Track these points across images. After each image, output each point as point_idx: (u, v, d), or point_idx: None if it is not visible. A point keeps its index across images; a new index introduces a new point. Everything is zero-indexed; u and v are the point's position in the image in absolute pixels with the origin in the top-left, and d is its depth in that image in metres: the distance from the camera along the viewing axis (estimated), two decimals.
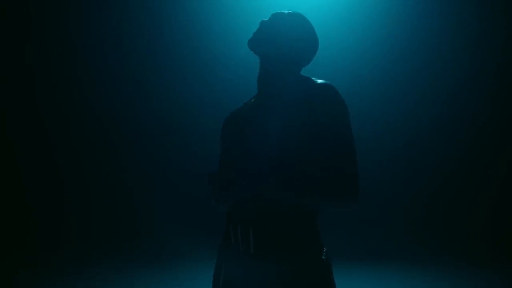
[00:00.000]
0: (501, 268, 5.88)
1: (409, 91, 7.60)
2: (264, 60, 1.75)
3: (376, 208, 7.53)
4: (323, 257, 1.56)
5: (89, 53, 7.55)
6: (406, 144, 7.79)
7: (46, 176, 7.64)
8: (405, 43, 7.34)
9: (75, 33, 7.40)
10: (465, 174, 7.67)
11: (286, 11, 1.78)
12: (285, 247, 1.52)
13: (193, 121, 7.59)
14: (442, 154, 7.72)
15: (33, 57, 7.44)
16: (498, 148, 7.62)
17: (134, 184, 7.61)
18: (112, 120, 7.77)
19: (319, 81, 1.60)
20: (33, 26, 7.28)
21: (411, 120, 7.66)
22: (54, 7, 7.16)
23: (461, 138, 7.60)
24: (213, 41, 6.94)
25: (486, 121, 7.61)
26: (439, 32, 7.21)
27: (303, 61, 1.75)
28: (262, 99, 1.71)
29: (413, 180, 7.75)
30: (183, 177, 7.07)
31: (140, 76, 7.68)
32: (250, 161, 1.58)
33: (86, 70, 7.61)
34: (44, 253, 6.46)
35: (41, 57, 7.50)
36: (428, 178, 7.71)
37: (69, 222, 7.40)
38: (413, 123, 7.67)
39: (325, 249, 1.59)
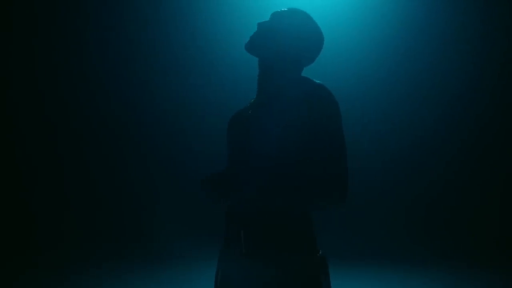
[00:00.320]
0: (502, 269, 5.87)
1: (413, 92, 7.58)
2: (262, 61, 1.74)
3: (378, 208, 7.53)
4: (316, 257, 1.57)
5: (92, 52, 7.55)
6: (410, 145, 7.76)
7: (49, 176, 7.64)
8: (409, 44, 7.31)
9: (79, 32, 7.40)
10: (469, 176, 7.64)
11: (286, 9, 1.74)
12: (278, 248, 1.53)
13: (196, 122, 7.58)
14: (445, 156, 7.69)
15: (37, 56, 7.45)
16: (502, 149, 7.58)
17: (136, 184, 7.61)
18: (115, 120, 7.77)
19: (314, 82, 1.59)
20: (38, 25, 7.28)
21: (414, 121, 7.63)
22: (59, 6, 7.16)
23: (465, 139, 7.57)
24: (217, 41, 6.94)
25: (489, 123, 7.57)
26: (443, 33, 7.19)
27: (305, 60, 1.73)
28: (261, 99, 1.71)
29: (416, 181, 7.72)
30: (186, 178, 7.06)
31: (145, 76, 7.67)
32: (249, 161, 1.60)
33: (89, 69, 7.61)
34: (46, 254, 6.46)
35: (45, 56, 7.50)
36: (431, 180, 7.69)
37: (71, 222, 7.40)
38: (417, 124, 7.65)
39: (320, 251, 1.60)
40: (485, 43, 7.25)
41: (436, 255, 6.58)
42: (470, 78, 7.48)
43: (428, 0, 7.05)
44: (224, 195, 1.55)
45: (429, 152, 7.81)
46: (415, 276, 5.61)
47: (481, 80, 7.49)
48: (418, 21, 7.17)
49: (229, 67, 6.86)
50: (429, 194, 7.69)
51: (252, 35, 1.72)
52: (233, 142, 1.72)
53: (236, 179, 1.56)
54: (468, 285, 5.25)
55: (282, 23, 1.71)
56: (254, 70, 1.75)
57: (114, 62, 7.55)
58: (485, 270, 5.84)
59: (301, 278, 1.52)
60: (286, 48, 1.69)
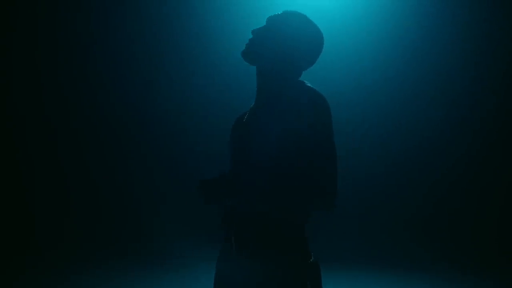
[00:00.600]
0: (506, 274, 5.86)
1: (415, 94, 7.54)
2: (259, 68, 1.72)
3: (381, 212, 7.49)
4: (303, 259, 1.57)
5: (94, 52, 7.55)
6: (413, 147, 7.71)
7: (49, 176, 7.64)
8: (414, 45, 7.28)
9: (82, 32, 7.41)
10: (473, 178, 7.58)
11: (281, 12, 1.71)
12: (266, 249, 1.54)
13: (198, 122, 7.58)
14: (449, 158, 7.63)
15: (40, 55, 7.46)
16: (507, 152, 7.52)
17: (136, 184, 7.61)
18: (115, 120, 7.77)
19: (306, 87, 1.59)
20: (40, 25, 7.29)
21: (418, 123, 7.58)
22: (63, 5, 7.18)
23: (469, 141, 7.51)
24: (221, 41, 6.93)
25: (493, 125, 7.51)
26: (449, 33, 7.16)
27: (304, 63, 1.71)
28: (258, 103, 1.71)
29: (418, 184, 7.67)
30: (186, 178, 7.05)
31: (149, 76, 7.67)
32: (244, 165, 1.63)
33: (91, 69, 7.62)
34: (46, 254, 6.46)
35: (48, 55, 7.51)
36: (434, 183, 7.63)
37: (71, 222, 7.39)
38: (420, 127, 7.60)
39: (312, 256, 1.60)
40: (490, 44, 7.20)
41: (439, 260, 6.55)
42: (474, 80, 7.42)
43: (434, 0, 7.03)
44: (219, 198, 1.56)
45: (433, 154, 7.75)
46: (415, 282, 5.59)
47: (486, 81, 7.44)
48: (423, 21, 7.14)
49: (232, 67, 6.86)
50: (431, 197, 7.65)
51: (247, 43, 1.69)
52: (233, 144, 1.73)
53: (231, 182, 1.57)
54: None
55: (278, 28, 1.67)
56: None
57: (116, 62, 7.56)
58: (488, 275, 5.81)
59: (285, 280, 1.52)
60: (283, 55, 1.66)
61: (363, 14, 7.05)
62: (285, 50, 1.66)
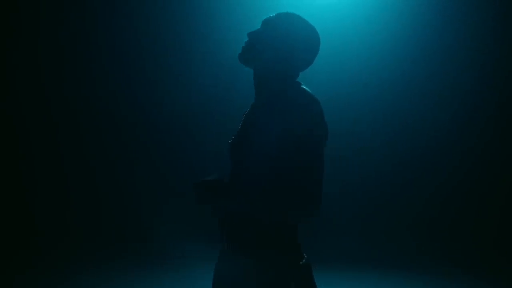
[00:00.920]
0: (505, 275, 5.85)
1: (424, 93, 7.49)
2: (256, 71, 1.73)
3: (385, 211, 7.45)
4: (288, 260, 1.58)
5: (99, 51, 7.55)
6: (420, 147, 7.66)
7: (50, 176, 7.62)
8: (420, 45, 7.26)
9: (89, 31, 7.41)
10: (478, 180, 7.53)
11: (276, 14, 1.71)
12: (253, 249, 1.56)
13: (200, 122, 7.55)
14: (453, 160, 7.59)
15: (43, 55, 7.45)
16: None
17: (137, 184, 7.60)
18: (116, 120, 7.76)
19: (302, 90, 1.59)
20: (45, 23, 7.29)
21: (425, 123, 7.53)
22: (68, 5, 7.18)
23: (476, 141, 7.46)
24: (227, 41, 6.91)
25: (499, 125, 7.46)
26: (457, 33, 7.13)
27: (301, 63, 1.71)
28: (256, 103, 1.72)
29: (425, 183, 7.61)
30: (187, 178, 7.04)
31: (154, 76, 7.65)
32: (240, 166, 1.65)
33: (95, 68, 7.61)
34: (46, 254, 6.45)
35: (52, 54, 7.50)
36: (441, 182, 7.57)
37: (72, 222, 7.38)
38: (425, 127, 7.55)
39: (305, 255, 1.62)
40: (500, 43, 7.15)
41: (442, 261, 6.51)
42: (481, 80, 7.38)
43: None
44: (211, 199, 1.59)
45: (440, 154, 7.68)
46: (417, 284, 5.57)
47: (493, 81, 7.39)
48: (432, 21, 7.12)
49: (239, 67, 6.83)
50: (437, 198, 7.58)
51: (244, 46, 1.70)
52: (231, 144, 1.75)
53: (224, 184, 1.59)
54: None
55: (274, 30, 1.68)
56: None
57: (120, 61, 7.55)
58: (491, 277, 5.80)
59: (266, 280, 1.53)
60: (280, 56, 1.67)
61: (372, 13, 7.05)
62: (281, 51, 1.66)
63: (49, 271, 5.67)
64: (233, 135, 1.74)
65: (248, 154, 1.59)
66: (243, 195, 1.57)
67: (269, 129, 1.54)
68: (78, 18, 7.35)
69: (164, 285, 5.30)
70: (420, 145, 7.62)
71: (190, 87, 7.50)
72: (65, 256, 6.34)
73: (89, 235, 7.14)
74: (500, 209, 7.37)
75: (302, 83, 1.67)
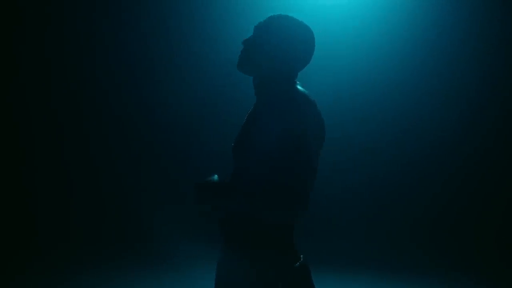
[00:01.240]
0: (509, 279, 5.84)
1: (430, 95, 7.44)
2: (255, 77, 1.75)
3: (390, 214, 7.40)
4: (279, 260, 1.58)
5: (105, 50, 7.54)
6: (426, 147, 7.59)
7: (50, 177, 7.60)
8: (430, 44, 7.22)
9: (94, 32, 7.41)
10: (484, 182, 7.46)
11: (266, 19, 1.73)
12: (242, 249, 1.58)
13: (202, 122, 7.53)
14: (457, 161, 7.52)
15: (49, 54, 7.45)
16: None
17: (138, 184, 7.59)
18: (118, 120, 7.74)
19: (296, 92, 1.60)
20: (51, 22, 7.29)
21: (432, 123, 7.46)
22: (76, 5, 7.19)
23: (481, 141, 7.39)
24: (235, 41, 6.88)
25: (507, 127, 7.40)
26: (465, 32, 7.09)
27: (298, 64, 1.72)
28: (256, 104, 1.74)
29: (431, 183, 7.54)
30: (188, 178, 7.03)
31: (159, 75, 7.63)
32: (238, 168, 1.69)
33: (100, 67, 7.59)
34: (46, 254, 6.44)
35: (57, 54, 7.50)
36: (446, 182, 7.48)
37: (72, 223, 7.37)
38: (433, 127, 7.47)
39: (301, 256, 1.63)
40: (508, 43, 7.11)
41: (441, 265, 6.48)
42: (488, 79, 7.32)
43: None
44: (210, 200, 1.61)
45: (446, 153, 7.61)
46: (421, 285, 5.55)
47: (499, 81, 7.33)
48: (440, 21, 7.09)
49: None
50: (442, 198, 7.50)
51: (240, 55, 1.72)
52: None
53: (221, 185, 1.62)
54: None
55: (267, 34, 1.68)
56: None
57: (125, 60, 7.54)
58: (495, 281, 5.76)
59: (251, 280, 1.55)
60: (277, 59, 1.68)
61: (380, 14, 7.04)
62: (276, 54, 1.67)
63: (49, 271, 5.67)
64: (236, 135, 1.77)
65: (248, 154, 1.61)
66: (238, 195, 1.58)
67: (263, 130, 1.56)
68: (84, 16, 7.35)
69: (164, 285, 5.30)
70: (427, 145, 7.55)
71: (196, 87, 7.49)
72: (65, 256, 6.33)
73: (90, 235, 7.14)
74: (507, 210, 7.27)
75: (299, 83, 1.69)
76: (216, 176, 1.66)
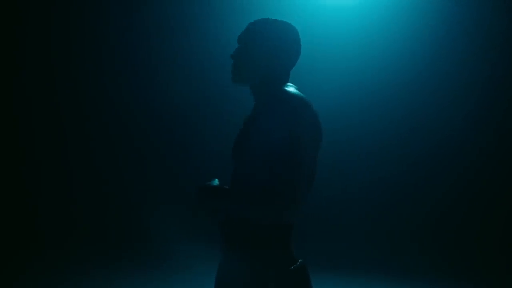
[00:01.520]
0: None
1: (436, 94, 7.39)
2: (251, 84, 1.79)
3: (395, 215, 7.36)
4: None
5: (111, 50, 7.55)
6: (433, 147, 7.55)
7: (51, 176, 7.59)
8: (438, 43, 7.18)
9: (100, 33, 7.42)
10: (484, 185, 7.40)
11: (246, 27, 1.76)
12: (249, 248, 1.58)
13: (209, 123, 7.52)
14: (462, 163, 7.46)
15: (53, 53, 7.45)
16: None
17: (138, 185, 7.58)
18: (119, 121, 7.73)
19: (284, 93, 1.61)
20: (55, 21, 7.30)
21: (439, 124, 7.41)
22: (81, 6, 7.20)
23: (489, 141, 7.33)
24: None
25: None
26: (472, 32, 7.06)
27: (289, 62, 1.74)
28: (254, 106, 1.77)
29: (438, 183, 7.50)
30: (189, 179, 7.03)
31: (163, 75, 7.63)
32: (236, 169, 1.71)
33: (104, 67, 7.60)
34: (46, 255, 6.43)
35: (61, 52, 7.50)
36: (453, 182, 7.43)
37: (72, 224, 7.36)
38: (440, 127, 7.42)
39: (301, 261, 1.63)
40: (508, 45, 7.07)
41: (445, 269, 6.43)
42: (494, 79, 7.27)
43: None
44: (211, 202, 1.63)
45: (453, 153, 7.55)
46: None
47: (505, 82, 7.28)
48: (447, 20, 7.07)
49: None
50: (441, 206, 7.46)
51: (231, 69, 1.76)
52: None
53: (220, 189, 1.65)
54: None
55: (251, 42, 1.72)
56: None
57: (130, 61, 7.55)
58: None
59: (243, 279, 1.58)
60: (267, 65, 1.70)
61: (388, 13, 7.03)
62: (265, 58, 1.70)
63: (49, 271, 5.67)
64: (235, 138, 1.79)
65: (244, 156, 1.64)
66: (234, 197, 1.61)
67: (257, 132, 1.58)
68: (89, 17, 7.36)
69: (165, 285, 5.29)
70: (433, 145, 7.48)
71: (197, 87, 7.49)
72: (66, 256, 6.33)
73: (90, 235, 7.12)
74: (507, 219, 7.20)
75: (292, 85, 1.71)
76: (216, 180, 1.68)
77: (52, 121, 7.68)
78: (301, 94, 1.64)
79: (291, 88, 1.65)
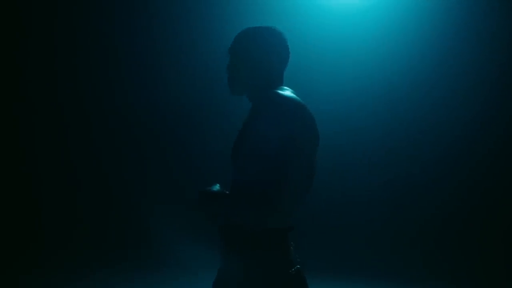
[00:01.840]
0: None
1: (445, 93, 7.36)
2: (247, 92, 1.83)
3: (390, 221, 7.33)
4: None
5: (111, 50, 7.56)
6: (443, 148, 7.51)
7: (52, 179, 7.58)
8: (447, 44, 7.16)
9: (104, 34, 7.43)
10: (489, 188, 7.35)
11: (234, 39, 1.81)
12: (249, 251, 1.59)
13: (211, 123, 7.51)
14: (469, 161, 7.42)
15: (57, 50, 7.47)
16: None
17: (139, 186, 7.56)
18: (120, 122, 7.73)
19: (276, 96, 1.62)
20: (59, 21, 7.32)
21: (448, 125, 7.37)
22: (85, 6, 7.22)
23: (495, 141, 7.28)
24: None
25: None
26: (479, 32, 7.03)
27: (281, 65, 1.79)
28: (251, 108, 1.80)
29: (436, 191, 7.47)
30: (189, 179, 7.03)
31: (166, 75, 7.62)
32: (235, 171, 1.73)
33: (107, 66, 7.61)
34: (46, 256, 6.43)
35: (64, 50, 7.52)
36: (460, 183, 7.40)
37: (72, 226, 7.35)
38: (450, 127, 7.38)
39: (298, 266, 1.63)
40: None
41: (447, 276, 6.39)
42: (503, 80, 7.23)
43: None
44: (211, 206, 1.65)
45: (463, 154, 7.51)
46: None
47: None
48: (456, 20, 7.05)
49: None
50: (443, 210, 7.42)
51: (227, 82, 1.80)
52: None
53: (219, 194, 1.67)
54: None
55: (242, 52, 1.77)
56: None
57: (133, 60, 7.56)
58: None
59: (238, 282, 1.59)
60: (257, 72, 1.75)
61: (397, 14, 7.04)
62: (259, 67, 1.75)
63: (49, 273, 5.67)
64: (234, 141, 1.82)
65: (241, 159, 1.66)
66: (230, 201, 1.63)
67: (251, 135, 1.61)
68: (93, 17, 7.37)
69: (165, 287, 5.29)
70: (442, 148, 7.43)
71: (198, 87, 7.48)
72: (68, 258, 6.32)
73: (91, 238, 7.11)
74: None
75: (287, 88, 1.73)
76: (217, 186, 1.70)
77: (55, 121, 7.69)
78: (296, 97, 1.65)
79: (286, 91, 1.67)
